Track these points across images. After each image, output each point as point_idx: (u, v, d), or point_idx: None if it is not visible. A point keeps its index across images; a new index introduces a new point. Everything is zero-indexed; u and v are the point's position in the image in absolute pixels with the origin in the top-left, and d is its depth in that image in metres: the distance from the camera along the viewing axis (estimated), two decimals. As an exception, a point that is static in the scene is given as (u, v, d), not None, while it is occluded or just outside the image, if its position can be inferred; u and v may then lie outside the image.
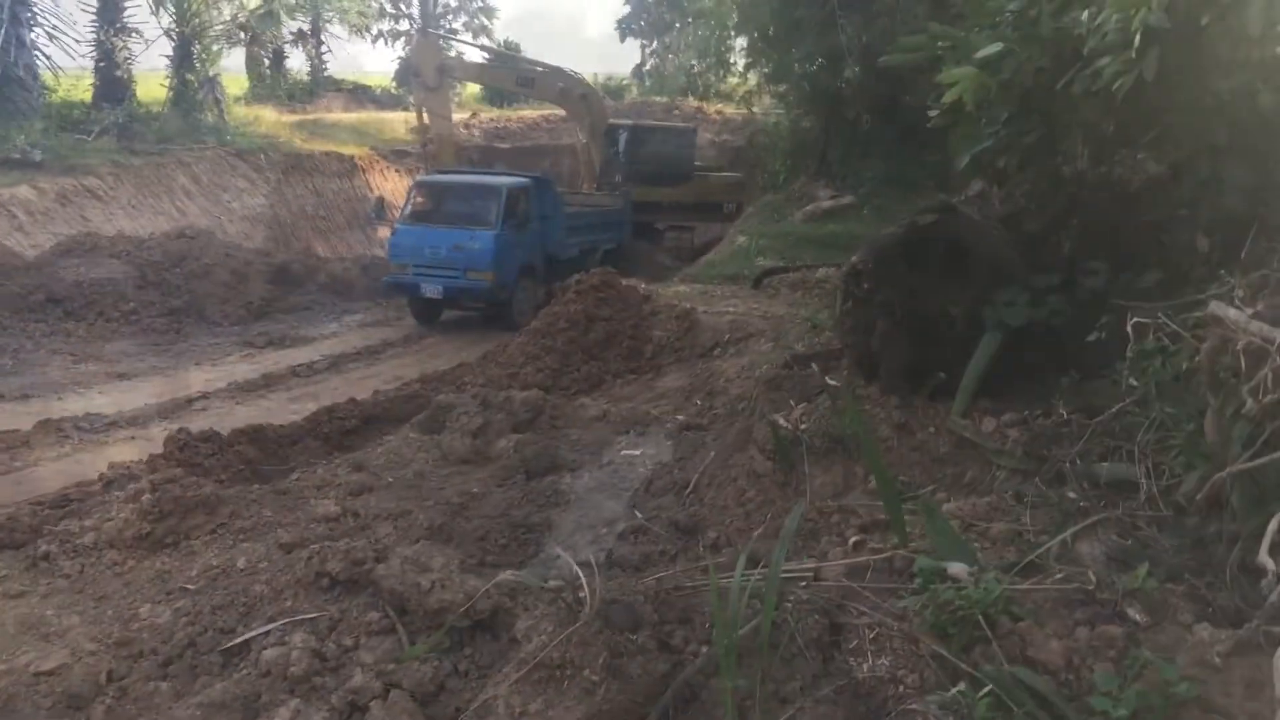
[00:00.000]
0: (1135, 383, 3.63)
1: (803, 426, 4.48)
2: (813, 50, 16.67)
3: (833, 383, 4.75)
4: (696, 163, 26.43)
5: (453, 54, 24.54)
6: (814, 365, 5.33)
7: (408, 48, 22.73)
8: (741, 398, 6.48)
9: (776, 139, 21.51)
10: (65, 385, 14.37)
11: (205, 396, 14.07)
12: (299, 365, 15.88)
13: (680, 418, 6.41)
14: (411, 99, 23.38)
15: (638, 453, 5.89)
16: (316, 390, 14.79)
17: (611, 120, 26.08)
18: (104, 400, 13.73)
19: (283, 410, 13.70)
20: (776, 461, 4.41)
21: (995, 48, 4.04)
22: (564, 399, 7.24)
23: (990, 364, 4.25)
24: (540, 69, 26.71)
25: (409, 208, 19.49)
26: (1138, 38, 3.56)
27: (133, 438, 12.24)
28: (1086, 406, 3.96)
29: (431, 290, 18.46)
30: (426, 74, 23.13)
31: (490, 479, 5.52)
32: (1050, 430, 3.94)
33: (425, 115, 23.85)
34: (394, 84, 45.29)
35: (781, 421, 4.58)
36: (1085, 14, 3.96)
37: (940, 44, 4.70)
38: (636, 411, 6.45)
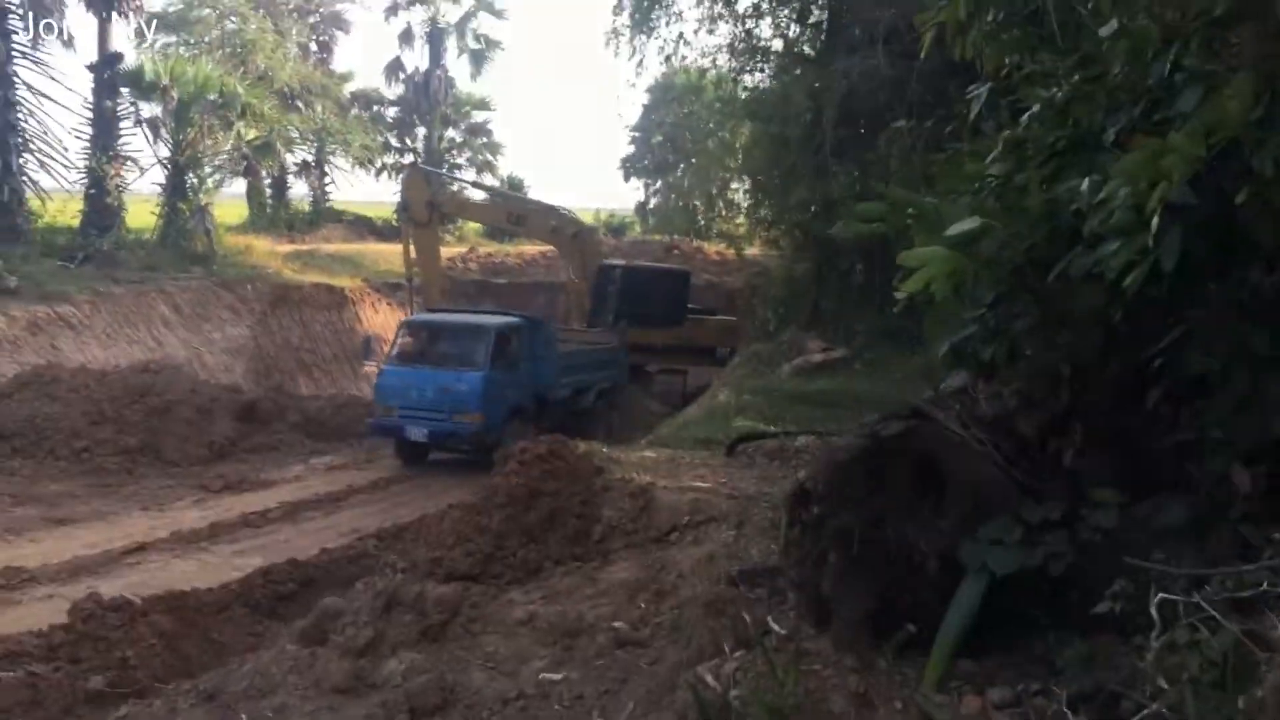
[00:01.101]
0: (1165, 685, 2.73)
1: (735, 690, 3.53)
2: (806, 197, 16.14)
3: (775, 629, 3.81)
4: (690, 305, 25.82)
5: (454, 188, 24.16)
6: (761, 588, 4.42)
7: (399, 184, 22.30)
8: (690, 602, 5.49)
9: (768, 286, 20.91)
10: (-5, 530, 13.43)
11: (142, 548, 13.08)
12: (252, 513, 14.93)
13: (618, 626, 5.42)
14: (401, 247, 22.93)
15: (558, 678, 4.91)
16: (265, 543, 13.84)
17: (605, 261, 25.56)
18: (31, 550, 12.76)
19: (224, 566, 12.73)
20: (699, 738, 3.46)
21: (971, 223, 3.23)
22: (492, 591, 6.25)
23: (972, 617, 3.33)
24: (533, 206, 26.36)
25: (396, 348, 18.82)
26: (1155, 219, 2.75)
27: (50, 596, 11.22)
28: (1098, 692, 3.04)
29: (417, 433, 17.72)
30: (416, 209, 22.73)
31: (364, 720, 4.55)
32: (1052, 723, 3.01)
33: (413, 250, 23.38)
34: (394, 216, 45.32)
35: (709, 679, 3.64)
36: (1085, 184, 3.18)
37: (908, 212, 3.89)
38: (568, 616, 5.48)
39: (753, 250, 36.70)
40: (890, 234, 4.10)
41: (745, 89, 19.22)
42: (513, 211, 25.28)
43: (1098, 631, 3.34)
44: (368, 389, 28.81)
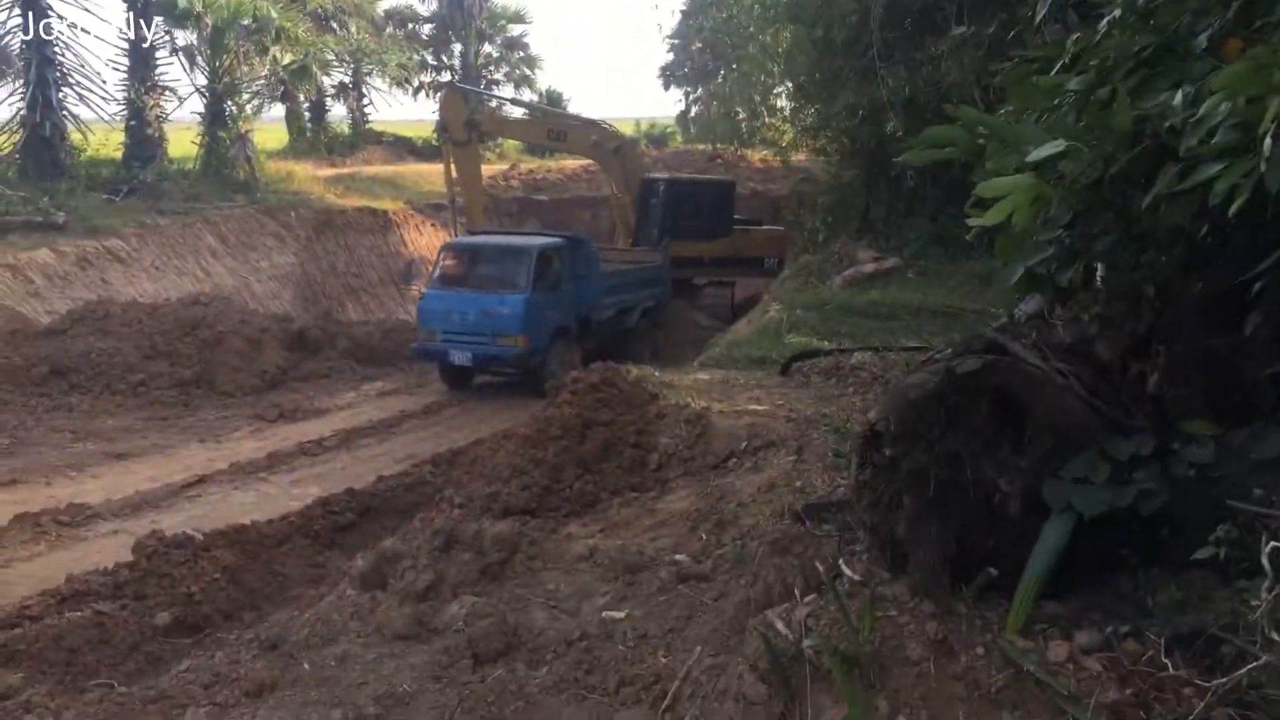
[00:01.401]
0: (1277, 637, 2.55)
1: (807, 638, 3.40)
2: (853, 102, 15.67)
3: (847, 573, 3.66)
4: (736, 215, 25.43)
5: (492, 105, 23.83)
6: (829, 525, 4.27)
7: (436, 103, 22.00)
8: (753, 534, 5.38)
9: (815, 194, 20.46)
10: (58, 468, 13.60)
11: (202, 480, 13.23)
12: (308, 442, 15.04)
13: (680, 559, 5.33)
14: (443, 167, 22.66)
15: (620, 615, 4.83)
16: (322, 471, 13.95)
17: (647, 175, 25.16)
18: (94, 485, 12.94)
19: (282, 496, 12.87)
20: (771, 686, 3.34)
21: (1055, 146, 2.98)
22: (551, 524, 6.17)
23: (1057, 559, 3.16)
24: (573, 122, 25.94)
25: (437, 271, 18.71)
26: (1268, 141, 2.48)
27: (115, 532, 11.38)
28: (1197, 635, 2.87)
29: (460, 358, 17.69)
30: (454, 129, 22.47)
31: (427, 667, 4.49)
32: (1148, 672, 2.84)
33: (454, 170, 23.16)
34: (434, 136, 45.00)
35: (779, 625, 3.50)
36: (1179, 97, 2.91)
37: (979, 133, 3.63)
38: (629, 550, 5.38)
39: (798, 157, 36.07)
40: (961, 158, 3.84)
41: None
42: (553, 128, 24.94)
43: (1191, 571, 3.17)
44: (413, 311, 29.03)
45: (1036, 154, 3.00)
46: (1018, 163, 3.31)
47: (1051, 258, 3.69)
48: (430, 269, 20.00)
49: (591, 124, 24.74)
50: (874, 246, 16.08)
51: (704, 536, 5.66)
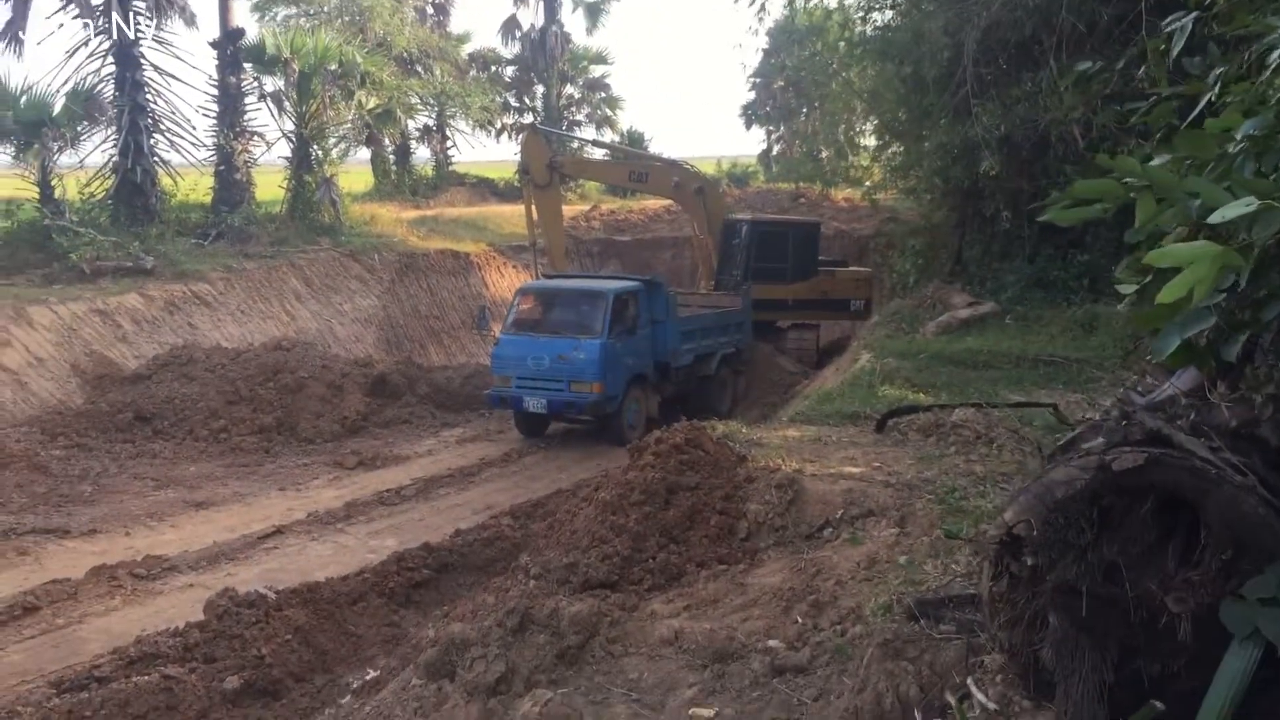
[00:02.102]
0: None
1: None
2: (945, 141, 15.13)
3: (978, 697, 3.15)
4: (821, 257, 24.89)
5: (574, 146, 23.67)
6: (948, 624, 3.77)
7: (518, 144, 21.95)
8: (852, 617, 4.88)
9: (905, 236, 19.88)
10: (138, 517, 13.55)
11: (280, 531, 13.06)
12: (386, 491, 14.85)
13: (774, 645, 4.84)
14: (524, 209, 22.53)
15: (709, 714, 4.35)
16: (400, 522, 13.72)
17: (729, 215, 24.76)
18: (172, 536, 12.84)
19: (359, 548, 12.64)
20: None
21: (1245, 205, 2.48)
22: (631, 600, 5.73)
23: (1241, 694, 2.63)
24: (654, 163, 25.70)
25: (512, 316, 18.46)
26: None
27: (190, 586, 11.23)
28: None
29: (535, 404, 17.38)
30: (536, 172, 22.35)
31: (497, 777, 4.08)
32: None
33: (534, 212, 23.01)
34: (515, 177, 45.19)
35: (899, 759, 3.04)
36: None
37: (1131, 184, 3.15)
38: (718, 635, 4.92)
39: (882, 196, 35.55)
40: (1108, 215, 3.36)
41: (875, 28, 18.17)
42: (634, 170, 24.73)
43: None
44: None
45: (1221, 214, 2.51)
46: (1181, 219, 2.84)
47: (1213, 328, 3.19)
48: (505, 313, 19.75)
49: (673, 165, 24.47)
50: (968, 290, 15.49)
51: (799, 619, 5.17)
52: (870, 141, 48.63)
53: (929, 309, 15.36)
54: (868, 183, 32.59)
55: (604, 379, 17.03)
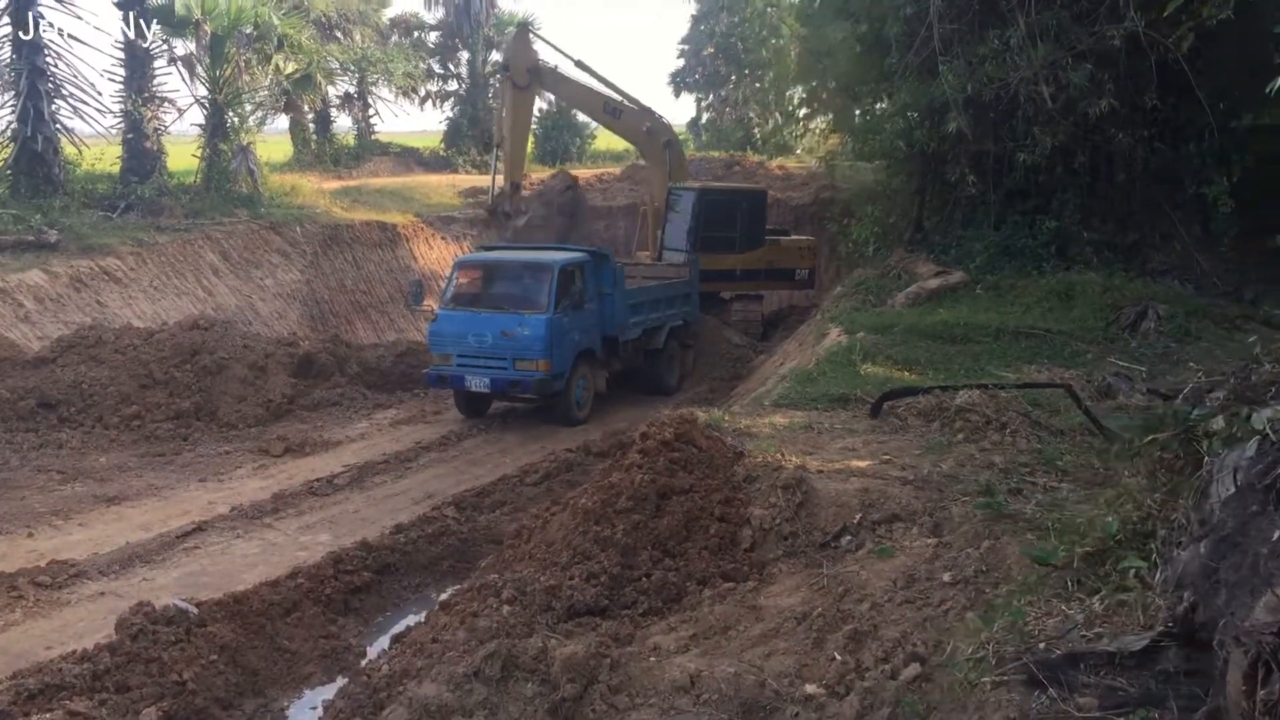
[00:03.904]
0: None
1: None
2: (909, 101, 14.35)
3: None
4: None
5: (553, 65, 22.24)
6: (1087, 693, 2.95)
7: (503, 45, 20.59)
8: (908, 652, 4.04)
9: (864, 203, 19.12)
10: (42, 515, 12.32)
11: (201, 529, 11.95)
12: (317, 480, 13.80)
13: (812, 692, 3.98)
14: (492, 100, 21.10)
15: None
16: (334, 515, 12.69)
17: (674, 185, 23.79)
18: (81, 537, 11.65)
19: (290, 545, 11.60)
20: None
21: None
22: (627, 628, 4.85)
23: None
24: (630, 105, 24.71)
25: (450, 290, 17.37)
26: None
27: (101, 594, 10.11)
28: None
29: (477, 383, 16.37)
30: (516, 71, 20.93)
31: None
32: None
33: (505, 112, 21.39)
34: (442, 146, 43.84)
35: None
36: None
37: None
38: (743, 681, 4.06)
39: (823, 161, 34.94)
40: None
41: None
42: (609, 103, 23.31)
43: None
44: (424, 330, 27.66)
45: None
46: None
47: None
48: (442, 287, 18.65)
49: (648, 111, 23.41)
50: (933, 259, 14.80)
51: (837, 656, 4.32)
52: (802, 110, 48.53)
53: (894, 279, 14.65)
54: (821, 151, 31.74)
55: (551, 356, 16.10)
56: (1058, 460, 6.56)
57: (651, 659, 4.54)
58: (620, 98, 23.89)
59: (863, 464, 6.43)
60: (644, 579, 5.33)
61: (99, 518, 12.38)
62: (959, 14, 14.11)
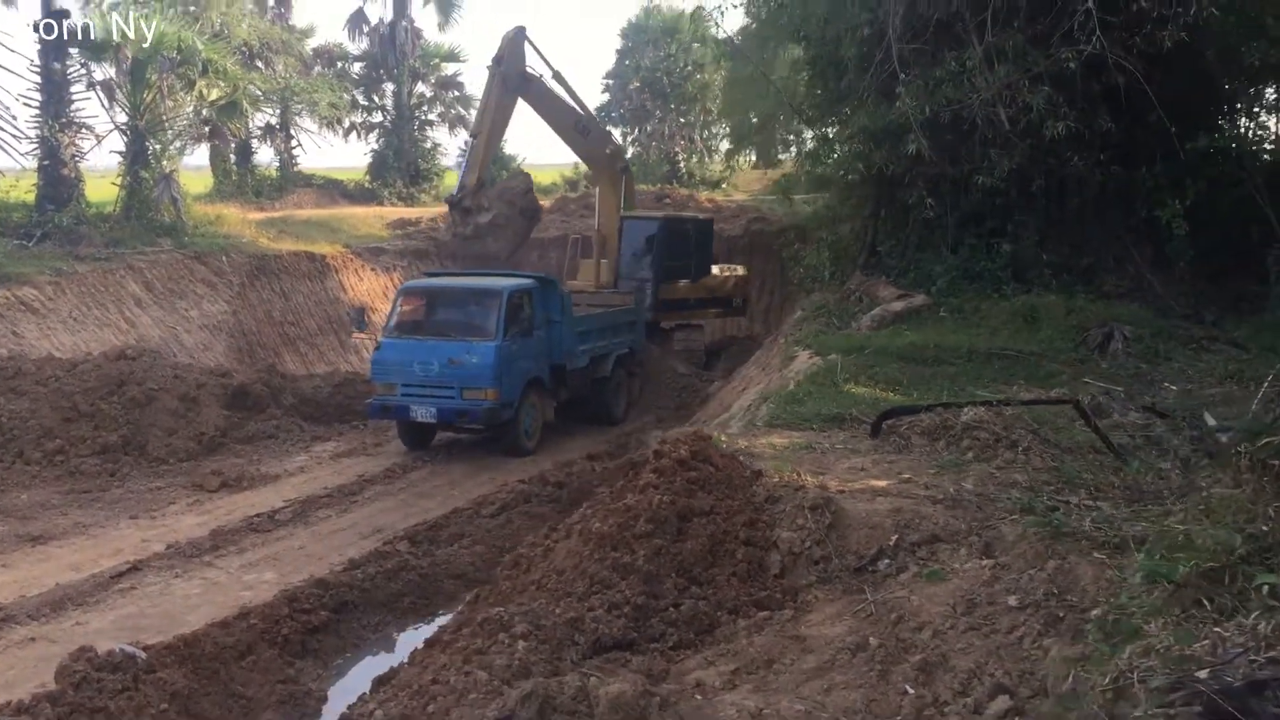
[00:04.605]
0: None
1: None
2: (867, 124, 14.20)
3: None
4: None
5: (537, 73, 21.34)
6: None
7: (502, 39, 19.67)
8: (993, 685, 3.66)
9: (816, 228, 18.97)
10: (-41, 556, 11.48)
11: (136, 568, 11.23)
12: (257, 515, 13.13)
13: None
14: (481, 100, 19.91)
15: None
16: (278, 552, 12.04)
17: (629, 213, 23.46)
18: (5, 579, 10.91)
19: (233, 585, 10.92)
20: None
21: None
22: (659, 663, 4.42)
23: None
24: (598, 125, 24.24)
25: (394, 318, 16.77)
26: None
27: (31, 640, 9.37)
28: None
29: (423, 414, 15.81)
30: (510, 70, 20.10)
31: None
32: None
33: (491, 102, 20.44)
34: (367, 178, 43.09)
35: None
36: None
37: None
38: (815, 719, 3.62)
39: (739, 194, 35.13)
40: None
41: (780, 5, 17.08)
42: (580, 120, 22.83)
43: None
44: (356, 361, 26.86)
45: None
46: None
47: None
48: (386, 314, 18.03)
49: (609, 134, 23.04)
50: (891, 282, 14.65)
51: (909, 689, 3.92)
52: (724, 145, 48.79)
53: (855, 302, 14.45)
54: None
55: (499, 385, 15.61)
56: (1077, 478, 6.30)
57: (698, 697, 4.11)
58: (590, 117, 23.61)
59: (881, 483, 6.09)
60: (671, 609, 4.89)
61: (23, 558, 11.60)
62: (915, 34, 14.04)
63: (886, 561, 5.12)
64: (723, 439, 7.10)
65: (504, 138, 20.45)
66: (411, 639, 10.00)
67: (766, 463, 6.43)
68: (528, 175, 24.69)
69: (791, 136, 50.18)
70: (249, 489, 14.39)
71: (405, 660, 6.66)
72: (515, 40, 20.23)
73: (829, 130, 17.06)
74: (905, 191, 14.70)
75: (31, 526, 12.57)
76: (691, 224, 24.44)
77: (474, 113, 47.32)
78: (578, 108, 22.70)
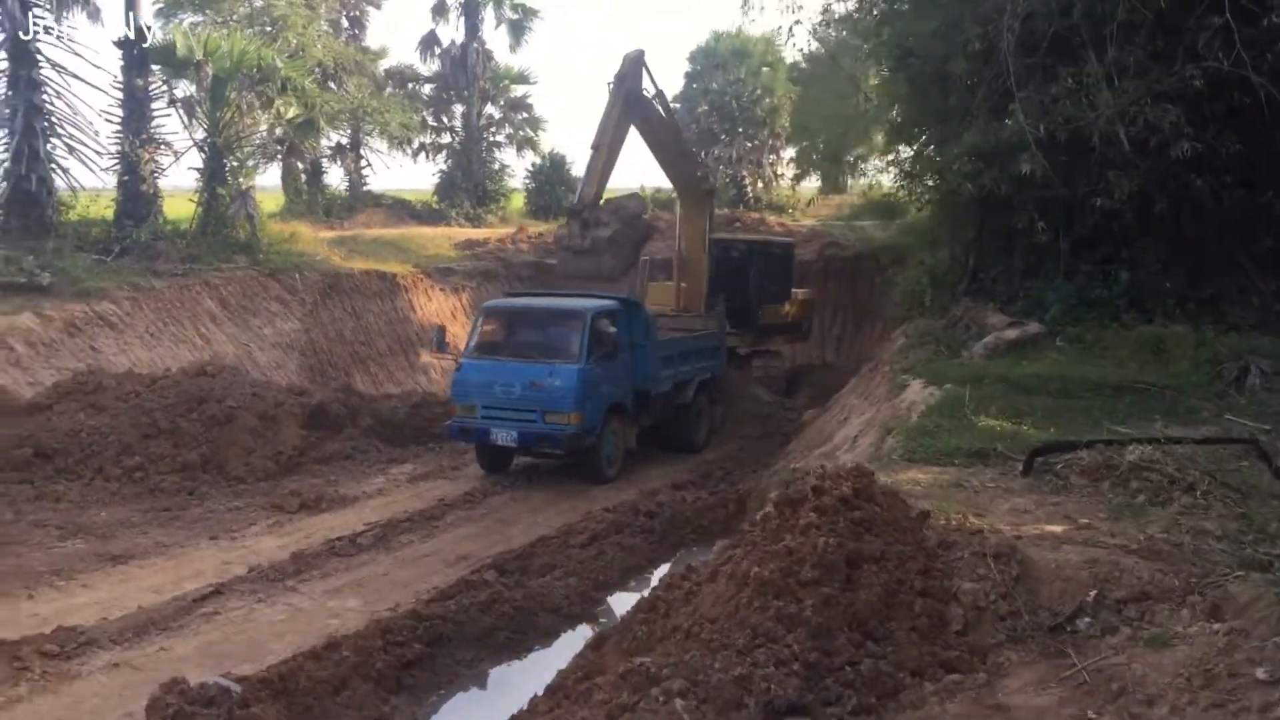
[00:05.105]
0: None
1: None
2: (979, 142, 13.59)
3: None
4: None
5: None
6: None
7: (624, 59, 19.23)
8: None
9: (920, 251, 18.33)
10: (41, 575, 11.19)
11: (218, 592, 10.85)
12: (338, 539, 12.74)
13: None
14: (603, 115, 19.16)
15: None
16: (362, 577, 11.62)
17: (713, 235, 23.02)
18: (86, 599, 10.54)
19: (319, 611, 10.51)
20: None
21: None
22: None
23: None
24: (692, 149, 23.89)
25: (475, 338, 16.39)
26: None
27: (115, 666, 9.00)
28: None
29: (504, 437, 15.36)
30: (633, 86, 19.65)
31: None
32: None
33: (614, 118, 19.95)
34: (434, 199, 43.13)
35: None
36: None
37: None
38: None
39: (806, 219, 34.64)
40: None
41: (885, 20, 16.55)
42: (681, 141, 22.40)
43: None
44: (425, 382, 26.58)
45: None
46: None
47: None
48: (467, 334, 17.64)
49: (698, 156, 22.63)
50: (999, 309, 13.99)
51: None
52: (791, 171, 48.31)
53: (963, 329, 13.80)
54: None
55: (583, 409, 15.14)
56: (1270, 526, 5.68)
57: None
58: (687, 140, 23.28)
59: (1056, 528, 5.50)
60: (848, 668, 4.33)
61: (104, 578, 11.28)
62: (1030, 50, 13.43)
63: (1087, 620, 4.54)
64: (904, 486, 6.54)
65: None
66: (506, 676, 9.55)
67: (923, 501, 5.87)
68: (642, 198, 24.33)
69: (859, 161, 49.61)
70: (328, 510, 14.05)
71: (525, 708, 6.12)
72: (637, 61, 19.72)
73: (930, 150, 16.43)
74: (1014, 214, 14.04)
75: (112, 545, 12.28)
76: (779, 248, 23.97)
77: (541, 134, 47.52)
78: (679, 130, 22.34)
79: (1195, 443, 7.12)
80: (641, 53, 19.71)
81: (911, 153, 17.70)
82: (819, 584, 4.59)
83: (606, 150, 18.82)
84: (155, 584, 11.08)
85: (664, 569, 11.94)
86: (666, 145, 21.06)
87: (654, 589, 5.86)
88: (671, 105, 21.77)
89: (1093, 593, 4.64)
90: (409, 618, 9.46)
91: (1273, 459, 6.55)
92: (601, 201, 19.16)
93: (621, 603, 11.86)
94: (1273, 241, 13.55)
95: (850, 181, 45.49)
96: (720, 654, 4.48)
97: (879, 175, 21.92)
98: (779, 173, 52.26)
